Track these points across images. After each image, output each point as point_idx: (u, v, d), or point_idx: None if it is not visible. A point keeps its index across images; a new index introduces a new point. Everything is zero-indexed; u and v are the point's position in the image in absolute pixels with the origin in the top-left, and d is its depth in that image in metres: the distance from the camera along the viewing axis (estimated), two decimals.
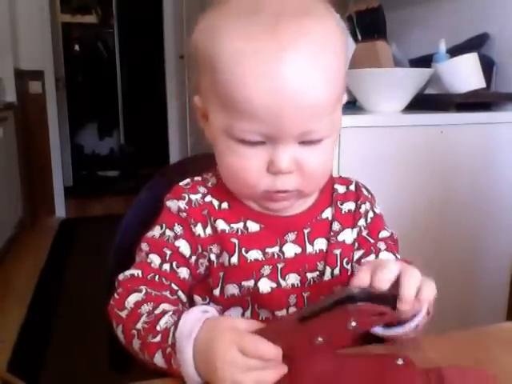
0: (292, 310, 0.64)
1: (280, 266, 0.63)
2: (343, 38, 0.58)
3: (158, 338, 0.52)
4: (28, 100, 3.74)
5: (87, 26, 5.95)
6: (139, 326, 0.54)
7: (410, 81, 1.43)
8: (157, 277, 0.60)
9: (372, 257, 0.66)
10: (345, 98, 0.63)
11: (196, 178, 0.67)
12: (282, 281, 0.63)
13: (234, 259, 0.62)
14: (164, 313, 0.53)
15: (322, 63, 0.53)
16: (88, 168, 5.67)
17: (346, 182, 0.71)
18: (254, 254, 0.62)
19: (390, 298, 0.47)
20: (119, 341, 0.57)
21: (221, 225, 0.63)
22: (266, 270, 0.63)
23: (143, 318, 0.54)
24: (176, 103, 4.30)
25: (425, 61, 1.61)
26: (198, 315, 0.51)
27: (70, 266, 2.93)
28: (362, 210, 0.68)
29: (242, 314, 0.65)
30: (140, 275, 0.60)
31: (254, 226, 0.63)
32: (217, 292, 0.64)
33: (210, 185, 0.66)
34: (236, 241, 0.62)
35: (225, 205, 0.64)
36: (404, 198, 1.38)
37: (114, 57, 5.98)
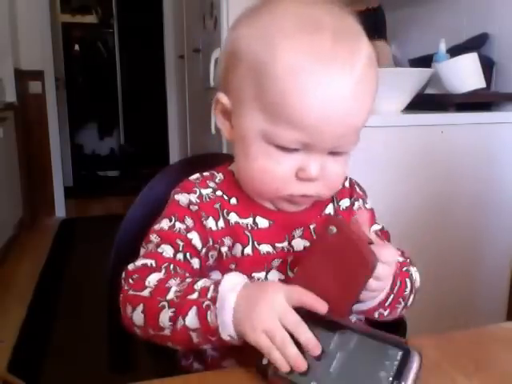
0: None
1: (290, 259, 0.65)
2: (376, 62, 0.61)
3: (194, 295, 0.53)
4: (28, 100, 3.74)
5: (87, 26, 5.95)
6: (171, 295, 0.54)
7: (410, 81, 1.44)
8: (171, 266, 0.60)
9: None
10: None
11: (205, 174, 0.69)
12: (290, 273, 0.65)
13: (248, 250, 0.64)
14: (196, 281, 0.54)
15: (368, 88, 0.59)
16: (88, 168, 5.68)
17: None
18: (265, 248, 0.65)
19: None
20: (121, 339, 0.57)
21: (234, 217, 0.65)
22: (276, 262, 0.65)
23: (174, 288, 0.54)
24: (176, 103, 4.30)
25: (425, 61, 1.61)
26: (240, 277, 0.55)
27: (70, 266, 2.93)
28: (356, 206, 0.72)
29: None
30: (154, 264, 0.59)
31: (263, 222, 0.65)
32: None
33: (217, 180, 0.68)
34: (249, 234, 0.65)
35: (233, 200, 0.66)
36: (404, 198, 1.38)
37: (114, 57, 5.98)
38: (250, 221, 0.65)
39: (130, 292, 0.57)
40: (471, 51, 1.48)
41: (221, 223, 0.64)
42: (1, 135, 3.03)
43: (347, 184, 0.73)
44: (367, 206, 0.74)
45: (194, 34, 3.14)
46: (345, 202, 0.71)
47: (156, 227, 0.64)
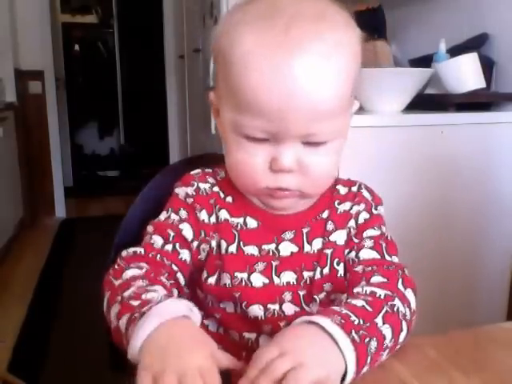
0: (287, 305, 0.65)
1: (275, 263, 0.64)
2: (357, 45, 0.58)
3: (136, 303, 0.52)
4: (28, 100, 3.74)
5: (87, 25, 5.95)
6: (127, 293, 0.54)
7: (410, 81, 1.44)
8: (158, 256, 0.61)
9: (352, 254, 0.65)
10: (357, 105, 0.65)
11: (207, 170, 0.69)
12: (275, 278, 0.64)
13: (233, 248, 0.64)
14: (155, 291, 0.54)
15: (329, 68, 0.54)
16: (88, 168, 5.67)
17: (349, 183, 0.71)
18: (251, 250, 0.64)
19: None
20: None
21: (223, 215, 0.65)
22: (260, 266, 0.64)
23: (133, 289, 0.54)
24: (176, 103, 4.30)
25: (425, 61, 1.61)
26: (183, 308, 0.50)
27: (70, 265, 2.93)
28: (354, 210, 0.67)
29: (234, 310, 0.65)
30: (142, 253, 0.61)
31: (252, 222, 0.65)
32: (212, 280, 0.65)
33: (219, 178, 0.68)
34: (236, 233, 0.64)
35: (229, 198, 0.66)
36: (404, 198, 1.38)
37: (114, 57, 5.98)
38: (240, 220, 0.65)
39: (110, 277, 0.58)
40: (471, 51, 1.48)
41: (213, 218, 0.65)
42: (1, 135, 3.03)
43: (355, 189, 0.69)
44: (374, 211, 0.67)
45: (193, 33, 3.14)
46: (344, 206, 0.67)
47: (155, 220, 0.65)
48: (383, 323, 0.52)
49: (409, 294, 0.58)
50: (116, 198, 4.35)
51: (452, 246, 1.46)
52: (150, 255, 0.61)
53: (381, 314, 0.53)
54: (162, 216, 0.65)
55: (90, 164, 5.83)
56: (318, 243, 0.66)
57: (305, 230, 0.65)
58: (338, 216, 0.67)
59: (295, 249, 0.65)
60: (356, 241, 0.66)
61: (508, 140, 1.45)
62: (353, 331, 0.49)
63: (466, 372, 0.51)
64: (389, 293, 0.56)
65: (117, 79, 5.99)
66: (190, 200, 0.65)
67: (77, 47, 5.96)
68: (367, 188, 0.71)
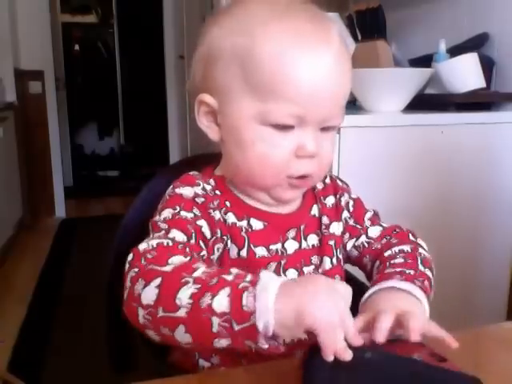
0: None
1: (283, 262, 0.65)
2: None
3: (230, 277, 0.47)
4: (28, 100, 3.74)
5: (87, 25, 5.95)
6: (198, 273, 0.48)
7: (410, 81, 1.43)
8: (187, 248, 0.56)
9: (362, 238, 0.74)
10: None
11: (197, 172, 0.68)
12: (283, 275, 0.65)
13: (244, 253, 0.63)
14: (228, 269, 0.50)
15: (346, 61, 0.61)
16: (88, 168, 5.67)
17: None
18: (260, 251, 0.64)
19: None
20: (121, 339, 0.55)
21: (231, 218, 0.64)
22: (272, 266, 0.65)
23: (203, 268, 0.49)
24: (176, 103, 4.30)
25: (425, 61, 1.61)
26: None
27: (70, 266, 2.93)
28: (343, 202, 0.74)
29: None
30: (171, 243, 0.55)
31: (257, 224, 0.65)
32: None
33: (213, 180, 0.67)
34: (245, 236, 0.64)
35: (227, 203, 0.65)
36: (403, 198, 1.38)
37: (114, 57, 5.98)
38: (244, 223, 0.64)
39: (149, 267, 0.50)
40: (471, 51, 1.48)
41: (223, 219, 0.64)
42: (1, 135, 3.03)
43: (328, 181, 0.74)
44: (353, 196, 0.76)
45: (193, 34, 3.14)
46: (330, 200, 0.73)
47: (157, 218, 0.60)
48: (424, 267, 0.68)
49: (420, 241, 0.74)
50: (116, 198, 4.35)
51: (451, 246, 1.46)
52: (179, 246, 0.55)
53: (418, 262, 0.68)
54: (168, 213, 0.60)
55: (90, 164, 5.83)
56: (313, 239, 0.69)
57: (302, 227, 0.68)
58: (329, 210, 0.72)
59: (297, 246, 0.67)
60: (359, 227, 0.74)
61: (508, 140, 1.45)
62: (414, 280, 0.63)
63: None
64: (410, 245, 0.71)
65: (117, 79, 5.99)
66: (200, 199, 0.62)
67: (77, 47, 5.96)
68: (336, 177, 0.77)
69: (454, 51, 1.55)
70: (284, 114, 0.58)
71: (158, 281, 0.48)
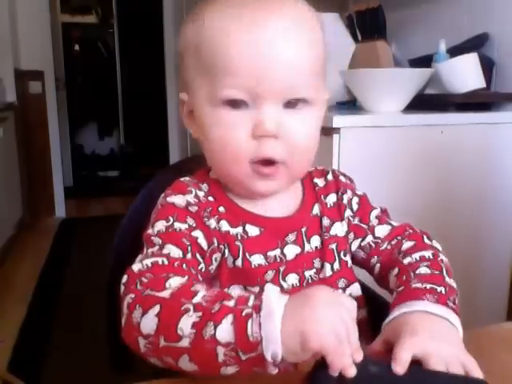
0: None
1: (282, 268, 0.62)
2: (319, 23, 0.61)
3: (231, 302, 0.44)
4: (28, 100, 3.74)
5: (87, 25, 5.96)
6: (197, 299, 0.46)
7: (410, 81, 1.44)
8: (184, 265, 0.53)
9: (369, 238, 0.68)
10: (327, 95, 0.64)
11: (192, 177, 0.65)
12: (283, 283, 0.62)
13: (239, 262, 0.60)
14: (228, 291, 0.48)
15: (306, 30, 0.58)
16: (88, 168, 5.68)
17: (322, 173, 0.70)
18: (257, 259, 0.61)
19: None
20: (121, 341, 0.52)
21: (224, 226, 0.61)
22: (270, 275, 0.61)
23: (202, 292, 0.46)
24: (176, 103, 4.30)
25: (425, 61, 1.61)
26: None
27: (70, 266, 2.93)
28: (345, 200, 0.68)
29: None
30: (166, 262, 0.52)
31: (253, 230, 0.62)
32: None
33: (205, 185, 0.64)
34: (240, 244, 0.61)
35: (221, 208, 0.62)
36: (403, 198, 1.38)
37: (114, 57, 5.99)
38: (239, 230, 0.61)
39: (146, 292, 0.48)
40: (471, 51, 1.48)
41: (217, 228, 0.61)
42: (1, 135, 3.03)
43: (330, 177, 0.70)
44: (359, 193, 0.71)
45: None
46: (331, 198, 0.68)
47: (150, 231, 0.58)
48: (449, 278, 0.61)
49: (435, 243, 0.69)
50: (116, 198, 4.35)
51: (451, 246, 1.45)
52: (175, 264, 0.53)
53: (444, 273, 0.61)
54: (161, 226, 0.57)
55: (90, 164, 5.83)
56: (315, 241, 0.65)
57: (303, 230, 0.64)
58: (329, 209, 0.67)
59: (298, 250, 0.64)
60: (365, 226, 0.69)
61: (508, 140, 1.45)
62: (447, 301, 0.57)
63: None
64: (431, 251, 0.65)
65: (117, 79, 6.00)
66: (193, 208, 0.59)
67: (77, 47, 5.96)
68: (341, 173, 0.72)
69: (454, 51, 1.55)
70: (232, 88, 0.55)
71: (156, 309, 0.46)
